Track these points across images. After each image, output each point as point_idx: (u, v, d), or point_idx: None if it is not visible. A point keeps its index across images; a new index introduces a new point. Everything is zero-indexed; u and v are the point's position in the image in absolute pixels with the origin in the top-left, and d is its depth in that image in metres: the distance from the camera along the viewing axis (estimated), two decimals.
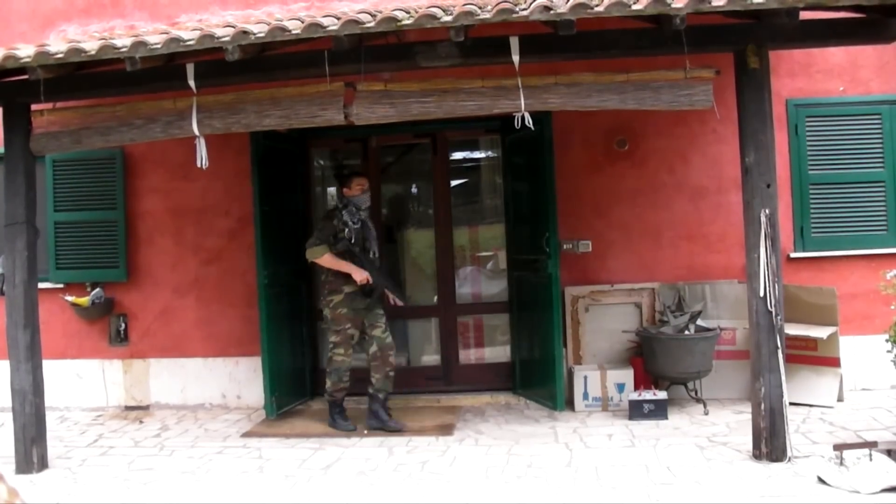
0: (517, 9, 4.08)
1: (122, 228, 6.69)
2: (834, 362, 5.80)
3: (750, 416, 4.68)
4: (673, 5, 4.03)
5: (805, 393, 5.73)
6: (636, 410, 5.57)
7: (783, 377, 4.52)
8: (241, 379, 6.64)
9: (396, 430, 5.52)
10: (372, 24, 4.23)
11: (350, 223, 5.46)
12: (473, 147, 7.08)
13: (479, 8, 4.16)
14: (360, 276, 5.40)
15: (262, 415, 6.20)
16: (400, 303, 5.72)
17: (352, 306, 5.50)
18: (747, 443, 4.72)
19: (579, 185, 6.31)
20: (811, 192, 6.17)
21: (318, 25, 4.25)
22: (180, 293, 6.71)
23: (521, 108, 4.51)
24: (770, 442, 4.52)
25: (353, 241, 5.46)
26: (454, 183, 6.93)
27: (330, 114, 4.71)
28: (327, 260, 5.44)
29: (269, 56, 4.83)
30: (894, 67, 6.18)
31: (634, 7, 4.04)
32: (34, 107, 5.13)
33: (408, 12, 4.28)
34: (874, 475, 3.98)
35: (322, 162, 7.28)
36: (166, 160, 6.62)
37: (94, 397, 6.79)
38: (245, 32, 4.28)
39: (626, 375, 5.93)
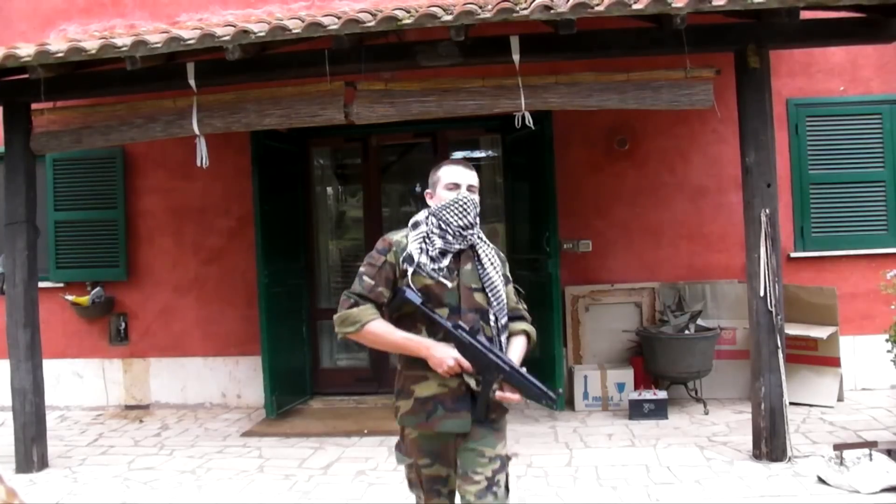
0: (517, 8, 4.08)
1: (123, 228, 6.69)
2: (834, 362, 5.80)
3: (750, 416, 4.68)
4: (673, 5, 4.03)
5: (805, 393, 5.73)
6: (636, 410, 5.57)
7: (783, 377, 4.52)
8: (241, 378, 6.64)
9: None
10: (372, 24, 4.23)
11: (422, 258, 2.64)
12: (474, 146, 7.08)
13: (480, 7, 4.16)
14: (438, 360, 2.55)
15: (262, 414, 6.20)
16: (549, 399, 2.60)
17: (428, 429, 2.63)
18: (747, 442, 4.71)
19: (580, 184, 6.31)
20: (811, 191, 6.17)
21: (319, 25, 4.25)
22: (180, 292, 6.71)
23: (522, 108, 4.52)
24: (770, 442, 4.52)
25: (429, 294, 2.62)
26: None
27: (330, 113, 4.71)
28: (369, 335, 2.62)
29: (270, 55, 4.83)
30: (894, 67, 6.18)
31: (635, 7, 4.04)
32: (34, 106, 5.13)
33: (408, 11, 4.28)
34: (874, 475, 3.98)
35: (322, 161, 7.28)
36: (166, 159, 6.62)
37: (95, 396, 6.79)
38: (245, 32, 4.28)
39: (627, 375, 5.93)
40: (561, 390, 2.76)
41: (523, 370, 2.57)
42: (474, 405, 2.59)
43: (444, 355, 2.55)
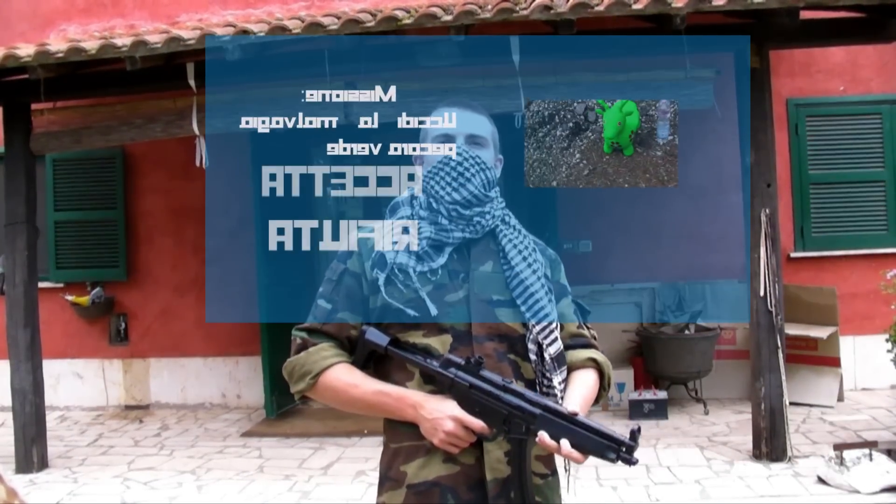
0: (517, 8, 4.09)
1: (122, 228, 6.69)
2: (834, 362, 5.80)
3: (750, 416, 4.68)
4: (673, 5, 4.03)
5: (805, 393, 5.73)
6: (636, 410, 5.56)
7: (783, 377, 4.52)
8: (241, 378, 6.63)
9: None
10: (372, 24, 4.23)
11: (400, 256, 1.69)
12: None
13: (480, 7, 4.17)
14: (429, 425, 1.62)
15: (262, 414, 6.19)
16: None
17: None
18: (747, 442, 4.71)
19: None
20: (811, 191, 6.16)
21: (319, 25, 4.25)
22: (180, 292, 6.70)
23: (522, 108, 4.51)
24: (770, 442, 4.51)
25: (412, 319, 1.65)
26: None
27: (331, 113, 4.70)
28: (328, 392, 1.74)
29: (270, 55, 4.83)
30: (894, 67, 6.17)
31: (635, 7, 4.04)
32: (34, 106, 5.13)
33: (408, 11, 4.28)
34: (874, 475, 3.97)
35: (322, 161, 7.28)
36: (166, 159, 6.61)
37: (95, 397, 6.79)
38: (245, 32, 4.28)
39: (627, 375, 5.92)
40: (639, 431, 1.63)
41: (579, 415, 1.60)
42: (504, 489, 1.62)
43: (438, 415, 1.57)
